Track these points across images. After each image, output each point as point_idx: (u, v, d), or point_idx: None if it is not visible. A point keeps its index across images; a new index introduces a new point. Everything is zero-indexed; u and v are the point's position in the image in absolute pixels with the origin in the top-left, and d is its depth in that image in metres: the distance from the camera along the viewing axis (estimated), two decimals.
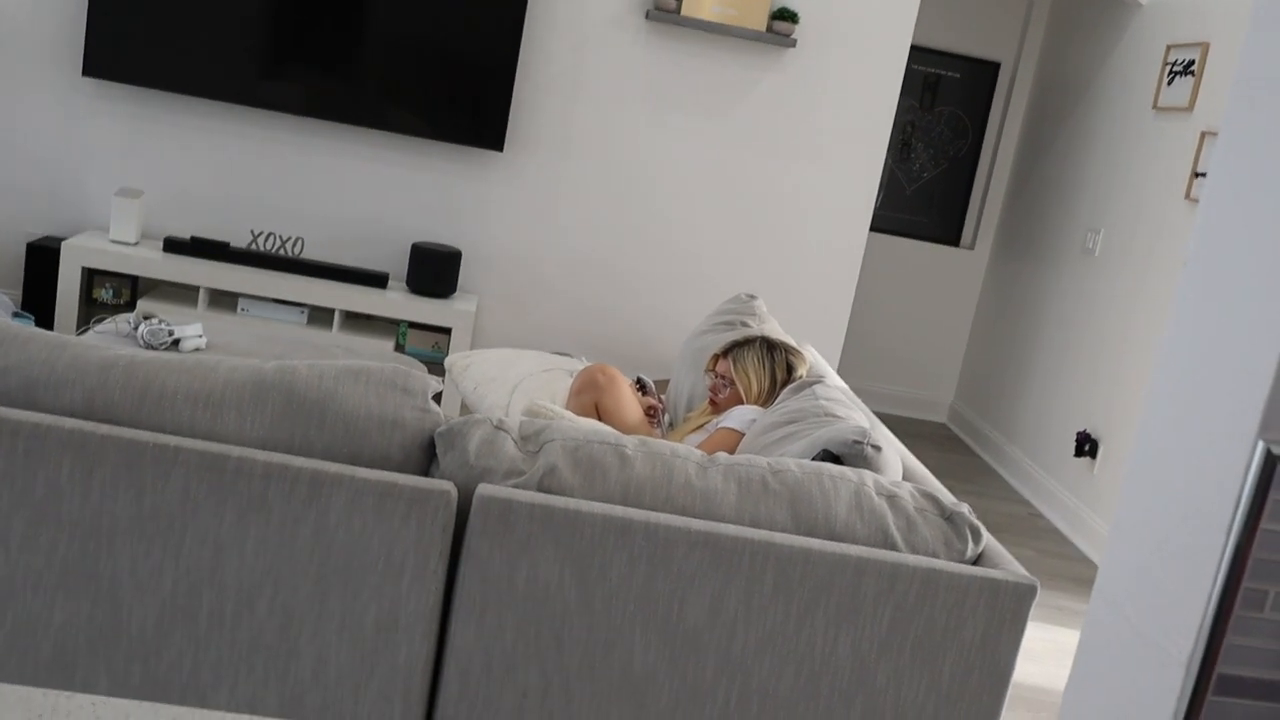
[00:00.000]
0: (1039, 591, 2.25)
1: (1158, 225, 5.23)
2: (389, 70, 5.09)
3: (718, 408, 3.47)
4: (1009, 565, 2.32)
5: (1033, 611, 4.28)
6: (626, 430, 3.52)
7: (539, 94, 5.30)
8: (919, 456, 6.45)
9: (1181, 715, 1.00)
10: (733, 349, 3.49)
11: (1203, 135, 4.92)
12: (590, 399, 3.58)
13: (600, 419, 3.55)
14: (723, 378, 3.47)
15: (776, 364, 3.47)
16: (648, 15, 5.19)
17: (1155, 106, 5.38)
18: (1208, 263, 1.08)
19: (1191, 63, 5.13)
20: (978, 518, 5.48)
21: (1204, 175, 4.91)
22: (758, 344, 3.49)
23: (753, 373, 3.42)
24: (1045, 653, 4.18)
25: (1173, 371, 1.10)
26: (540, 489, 2.20)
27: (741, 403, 3.40)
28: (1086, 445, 5.45)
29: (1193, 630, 0.99)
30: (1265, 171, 1.03)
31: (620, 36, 5.27)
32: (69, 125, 5.16)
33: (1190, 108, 5.08)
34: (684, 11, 5.19)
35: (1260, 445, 0.97)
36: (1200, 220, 1.12)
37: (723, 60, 5.33)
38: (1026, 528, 5.56)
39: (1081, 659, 1.15)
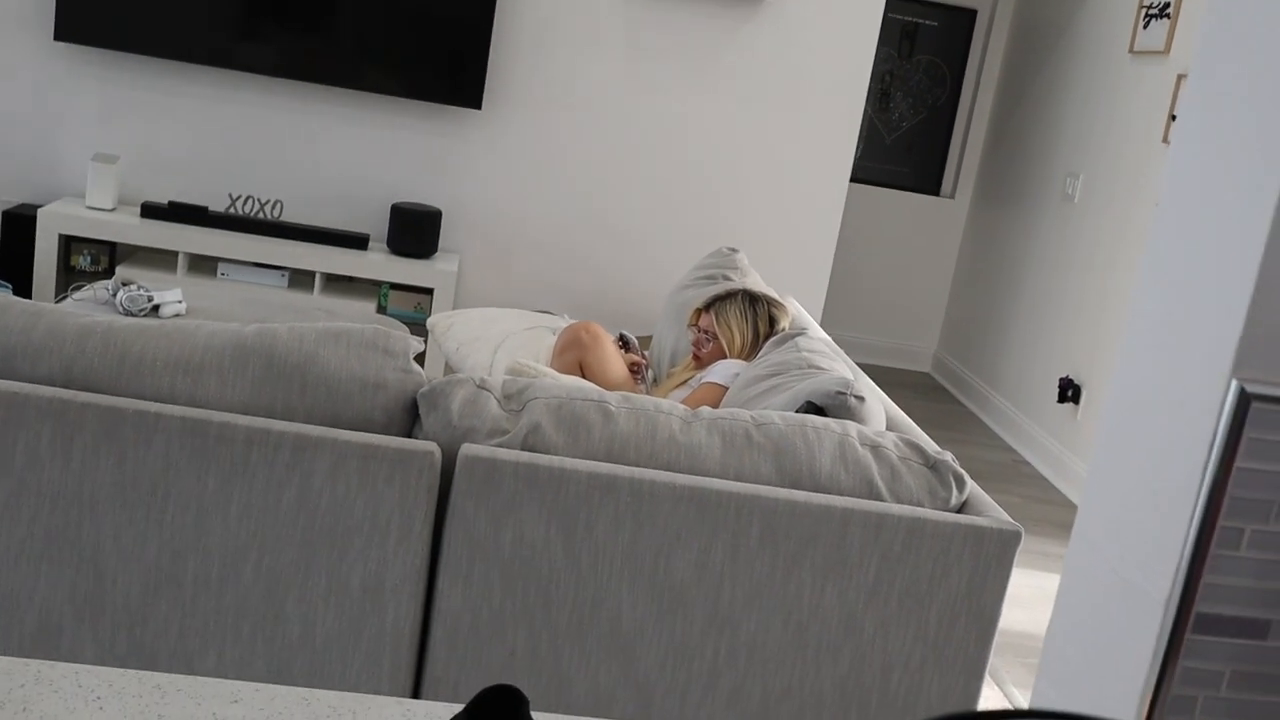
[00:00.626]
0: (1024, 538, 2.26)
1: (1136, 169, 5.23)
2: (364, 29, 5.04)
3: (701, 362, 3.46)
4: (993, 512, 2.33)
5: (1018, 558, 4.31)
6: (611, 387, 3.51)
7: (516, 50, 5.26)
8: (903, 406, 6.46)
9: (1161, 654, 1.00)
10: (714, 302, 3.48)
11: (1179, 78, 4.91)
12: (574, 357, 3.57)
13: (584, 377, 3.54)
14: (705, 332, 3.46)
15: (759, 316, 3.46)
16: None
17: (1131, 50, 5.37)
18: (1179, 204, 1.08)
19: (1167, 6, 5.11)
20: (962, 466, 5.51)
21: None
22: (739, 297, 3.48)
23: (735, 326, 3.41)
24: (1031, 599, 4.21)
25: (1147, 313, 1.10)
26: (524, 447, 2.20)
27: (725, 357, 3.40)
28: (1069, 391, 5.47)
29: (1170, 570, 1.00)
30: (1234, 111, 1.03)
31: None
32: (42, 91, 5.10)
33: (1166, 51, 5.06)
34: None
35: (1234, 384, 0.98)
36: (1170, 161, 1.11)
37: (699, 12, 5.29)
38: (1011, 474, 5.59)
39: (1062, 601, 1.15)
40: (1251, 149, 1.00)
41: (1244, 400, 0.96)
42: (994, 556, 2.27)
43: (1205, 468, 0.98)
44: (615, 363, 3.59)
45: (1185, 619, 0.98)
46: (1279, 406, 0.96)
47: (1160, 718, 1.00)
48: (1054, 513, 5.15)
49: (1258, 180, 0.97)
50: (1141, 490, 1.06)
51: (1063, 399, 5.50)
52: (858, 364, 7.25)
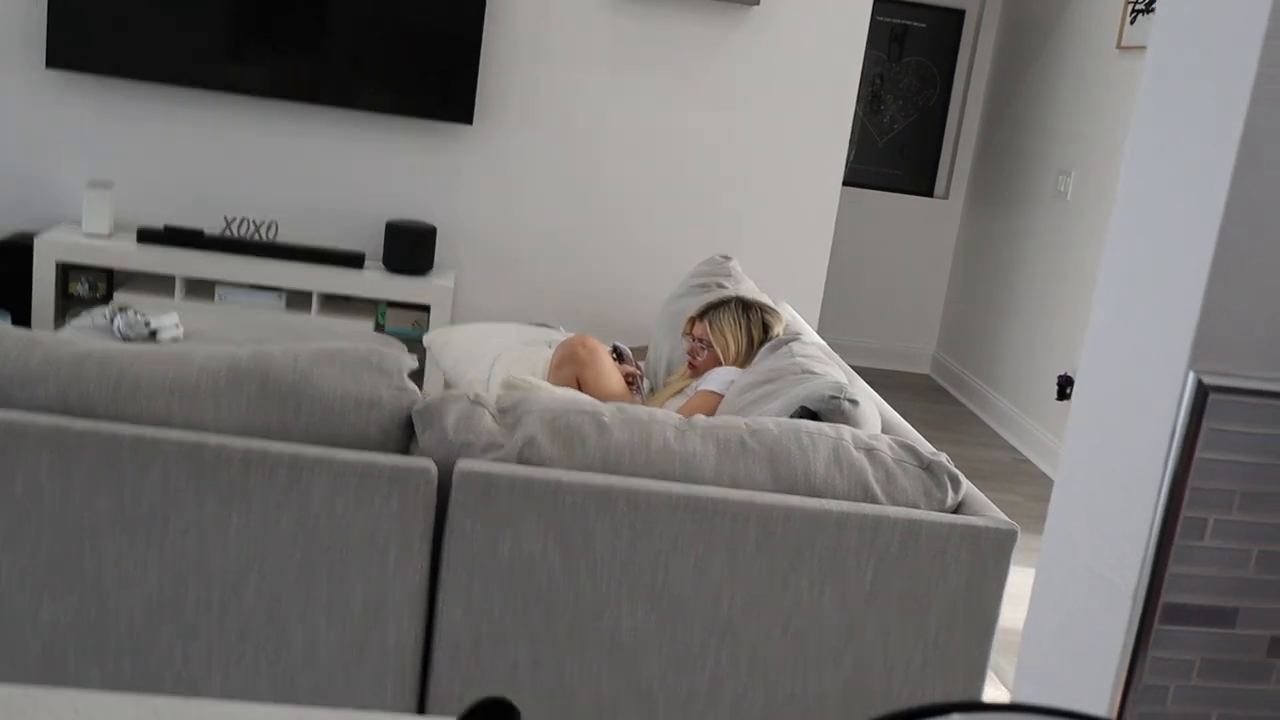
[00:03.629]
0: (1026, 536, 2.27)
1: None
2: (354, 48, 5.06)
3: (696, 370, 3.48)
4: (989, 512, 2.34)
5: (1019, 556, 4.31)
6: (609, 401, 3.53)
7: (506, 64, 5.28)
8: (903, 408, 6.47)
9: (1130, 645, 1.02)
10: (708, 310, 3.50)
11: None
12: (571, 372, 3.59)
13: (582, 392, 3.55)
14: (700, 340, 3.47)
15: (753, 323, 3.47)
16: None
17: (1119, 46, 5.39)
18: (1135, 199, 1.10)
19: (1153, 1, 5.13)
20: (964, 466, 5.52)
21: None
22: (733, 304, 3.49)
23: (729, 333, 3.42)
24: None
25: (1108, 308, 1.11)
26: (520, 461, 2.21)
27: (720, 364, 3.41)
28: (1068, 387, 5.47)
29: (1137, 562, 1.01)
30: (1186, 106, 1.04)
31: (585, 3, 5.24)
32: (36, 118, 5.13)
33: None
34: None
35: (1191, 376, 0.99)
36: (1127, 157, 1.13)
37: (687, 21, 5.31)
38: (1013, 473, 5.60)
39: (1037, 594, 1.17)
40: (1204, 143, 1.01)
41: (1201, 392, 0.98)
42: (991, 556, 2.28)
43: (1167, 460, 1.00)
44: (613, 376, 3.60)
45: (1153, 610, 0.99)
46: (1236, 397, 0.98)
47: (1132, 708, 1.01)
48: None
49: (1210, 172, 0.99)
50: (1108, 484, 1.07)
51: (1062, 396, 5.51)
52: (856, 368, 7.26)
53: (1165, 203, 1.05)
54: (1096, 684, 1.04)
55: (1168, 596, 0.98)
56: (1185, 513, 0.99)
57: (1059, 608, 1.11)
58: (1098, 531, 1.07)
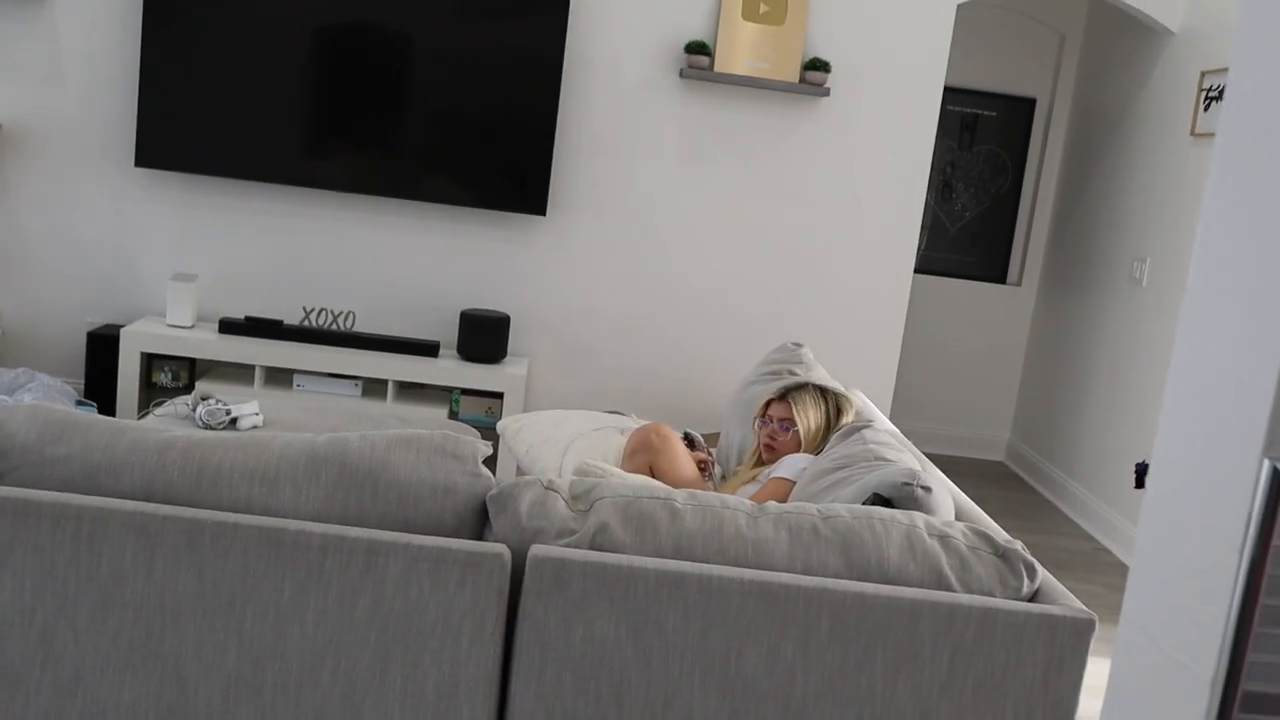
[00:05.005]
0: (1104, 626, 2.23)
1: None
2: (430, 142, 5.19)
3: (776, 453, 3.47)
4: (1066, 600, 2.31)
5: (1099, 647, 4.23)
6: (682, 488, 3.53)
7: (578, 158, 5.37)
8: (977, 496, 6.40)
9: None
10: (790, 391, 3.52)
11: None
12: (645, 460, 3.60)
13: (655, 479, 3.56)
14: (782, 420, 3.48)
15: (829, 406, 3.50)
16: (681, 74, 5.26)
17: (1193, 133, 5.37)
18: (1207, 285, 1.10)
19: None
20: (1040, 555, 5.43)
21: None
22: (810, 386, 3.53)
23: (812, 413, 3.45)
24: None
25: (1181, 395, 1.11)
26: (592, 547, 2.22)
27: (800, 446, 3.42)
28: (1145, 475, 5.39)
29: (1215, 649, 1.00)
30: (1256, 193, 1.05)
31: (656, 97, 5.34)
32: (123, 215, 5.29)
33: None
34: (717, 68, 5.25)
35: (1266, 464, 0.99)
36: (1198, 242, 1.14)
37: (758, 113, 5.38)
38: (1092, 563, 5.50)
39: (1114, 684, 1.15)
40: (1274, 229, 1.01)
41: (1277, 478, 0.97)
42: (1069, 645, 2.24)
43: (1243, 547, 0.99)
44: (686, 463, 3.62)
45: (1233, 698, 0.98)
46: None
47: None
48: None
49: None
50: (1184, 571, 1.06)
51: (1139, 484, 5.42)
52: (929, 455, 7.20)
53: (1236, 290, 1.06)
54: None
55: (1247, 684, 0.97)
56: (1263, 600, 0.98)
57: (1136, 697, 1.10)
58: (1173, 619, 1.06)
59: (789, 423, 3.46)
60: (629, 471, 3.59)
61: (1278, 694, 0.99)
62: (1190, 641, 1.03)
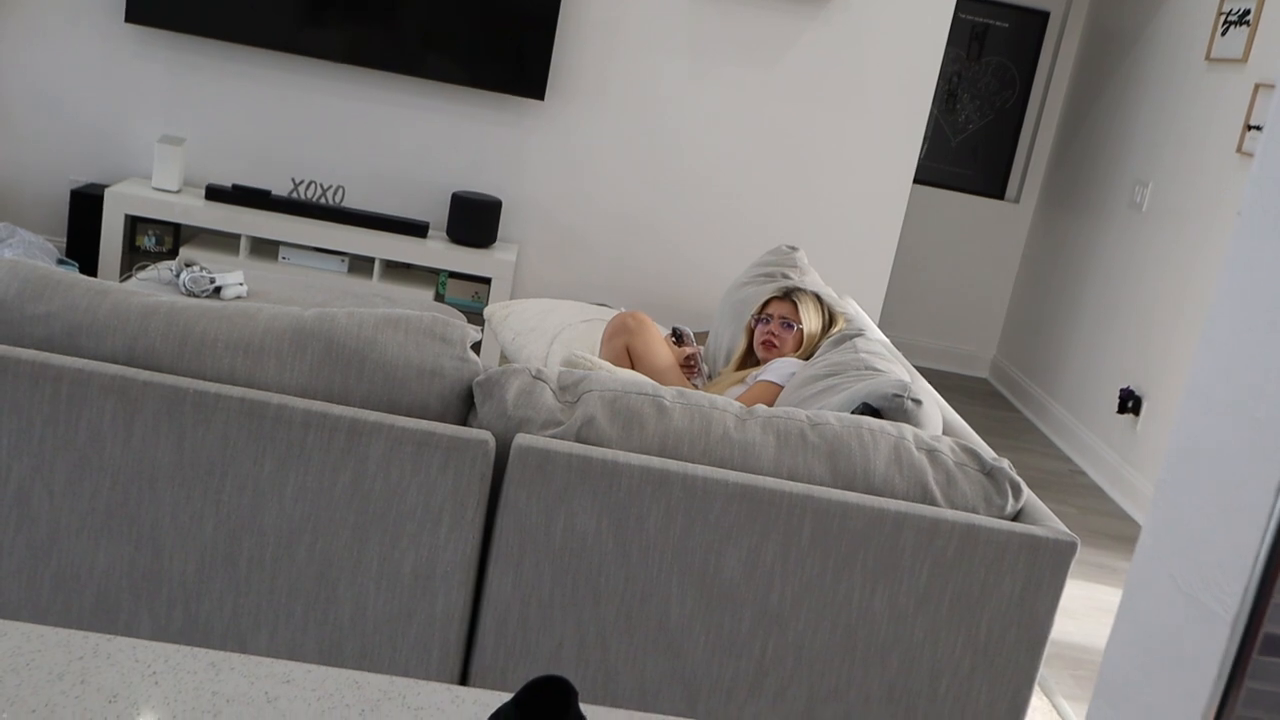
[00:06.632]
0: (1079, 548, 2.23)
1: (1209, 179, 5.15)
2: (430, 17, 5.07)
3: (777, 352, 3.45)
4: (1049, 522, 2.30)
5: (1072, 569, 4.26)
6: (659, 373, 3.53)
7: (580, 43, 5.26)
8: (960, 411, 6.41)
9: (1226, 673, 0.98)
10: (793, 292, 3.50)
11: (1257, 88, 4.83)
12: (621, 343, 3.58)
13: (632, 363, 3.55)
14: (783, 319, 3.45)
15: (825, 313, 3.49)
16: None
17: (1208, 58, 5.28)
18: (1262, 210, 1.06)
19: (1247, 13, 5.03)
20: (1018, 474, 5.45)
21: (1257, 129, 4.82)
22: (811, 292, 3.52)
23: (814, 314, 3.44)
24: (1084, 610, 4.16)
25: (1225, 322, 1.07)
26: (578, 439, 2.20)
27: (801, 345, 3.41)
28: (1130, 402, 5.40)
29: (1239, 589, 0.98)
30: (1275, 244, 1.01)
31: None
32: (112, 72, 5.17)
33: (1244, 59, 4.98)
34: None
35: None
36: (1255, 168, 1.09)
37: (765, 11, 5.26)
38: (1068, 484, 5.53)
39: (1124, 615, 1.13)
40: None
41: None
42: (1048, 566, 2.24)
43: (1278, 488, 0.96)
44: (662, 349, 3.60)
45: (1253, 639, 0.96)
46: None
47: None
48: (1110, 525, 5.09)
49: None
50: (1211, 507, 1.03)
51: (1123, 410, 5.43)
52: (915, 367, 7.20)
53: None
54: (1184, 712, 1.01)
55: (1270, 626, 0.95)
56: None
57: (1148, 630, 1.08)
58: (1196, 554, 1.04)
59: (793, 320, 3.44)
60: (606, 355, 3.57)
61: None
62: (1212, 579, 1.01)
